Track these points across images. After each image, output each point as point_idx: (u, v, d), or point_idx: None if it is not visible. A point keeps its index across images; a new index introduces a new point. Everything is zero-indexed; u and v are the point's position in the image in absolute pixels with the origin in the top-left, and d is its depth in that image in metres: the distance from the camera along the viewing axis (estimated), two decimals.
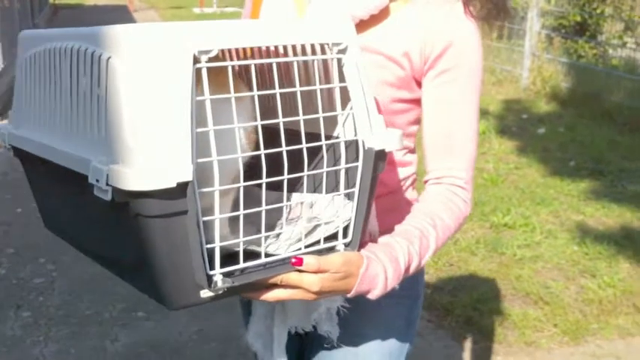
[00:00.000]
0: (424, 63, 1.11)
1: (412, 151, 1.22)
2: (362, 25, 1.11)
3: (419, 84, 1.14)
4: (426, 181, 1.17)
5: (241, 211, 0.87)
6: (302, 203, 1.01)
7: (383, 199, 1.14)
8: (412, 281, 1.16)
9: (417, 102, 1.15)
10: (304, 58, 0.94)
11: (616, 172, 4.66)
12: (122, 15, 14.45)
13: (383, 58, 1.11)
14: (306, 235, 0.96)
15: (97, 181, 0.81)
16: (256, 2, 1.21)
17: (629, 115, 5.78)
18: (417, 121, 1.19)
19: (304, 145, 0.90)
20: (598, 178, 4.59)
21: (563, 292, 3.15)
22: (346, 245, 0.98)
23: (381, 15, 1.11)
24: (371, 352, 1.24)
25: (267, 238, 0.94)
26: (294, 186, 0.99)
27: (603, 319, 2.93)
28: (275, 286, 0.94)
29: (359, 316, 1.20)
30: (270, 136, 0.90)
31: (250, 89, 0.88)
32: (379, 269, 1.00)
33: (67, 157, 0.89)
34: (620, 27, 7.31)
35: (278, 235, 0.97)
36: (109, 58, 0.81)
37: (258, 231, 0.91)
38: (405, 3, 1.13)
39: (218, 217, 0.84)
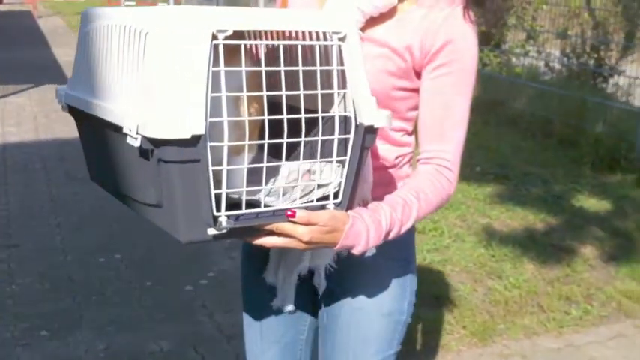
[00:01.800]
0: (424, 57, 1.26)
1: (410, 133, 1.35)
2: (372, 21, 1.27)
3: (418, 75, 1.28)
4: (417, 161, 1.31)
5: (245, 165, 1.07)
6: (304, 169, 1.17)
7: (381, 173, 1.32)
8: (403, 244, 1.33)
9: (417, 91, 1.29)
10: (307, 42, 1.10)
11: (520, 177, 4.83)
12: (26, 21, 13.94)
13: (388, 50, 1.26)
14: (303, 196, 1.13)
15: (130, 130, 1.00)
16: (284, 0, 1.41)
17: (531, 121, 6.00)
18: (416, 108, 1.32)
19: (302, 116, 1.08)
20: (503, 182, 4.74)
21: (472, 294, 3.22)
22: (336, 205, 1.14)
23: (389, 13, 1.27)
24: (370, 310, 1.37)
25: (269, 194, 1.12)
26: (297, 155, 1.14)
27: (510, 319, 3.02)
28: (271, 233, 1.09)
29: (357, 275, 1.36)
30: (276, 111, 1.06)
31: (257, 66, 1.06)
32: (362, 228, 1.15)
33: (107, 111, 1.09)
34: (522, 36, 7.59)
35: (279, 194, 1.13)
36: (147, 33, 1.01)
37: (269, 191, 1.12)
38: (411, 5, 1.28)
39: (225, 167, 1.01)
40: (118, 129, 1.04)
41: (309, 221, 1.09)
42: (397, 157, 1.34)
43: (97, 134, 1.19)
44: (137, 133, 0.99)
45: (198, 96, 0.98)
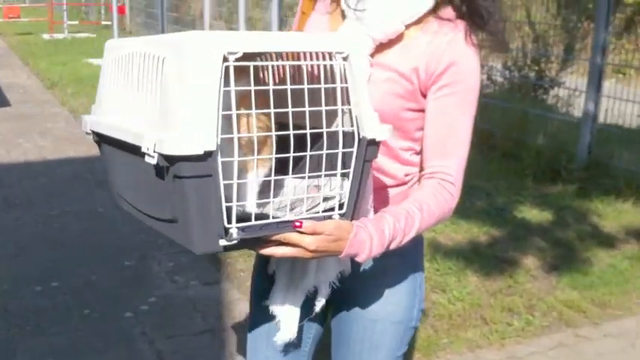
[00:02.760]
0: (429, 78, 1.32)
1: (418, 152, 1.41)
2: (380, 47, 1.34)
3: (424, 96, 1.34)
4: (422, 176, 1.39)
5: (254, 179, 1.18)
6: (310, 184, 1.24)
7: (392, 190, 1.40)
8: (412, 255, 1.43)
9: (423, 111, 1.36)
10: (311, 62, 1.18)
11: (465, 189, 4.82)
12: None
13: (395, 74, 1.33)
14: (309, 209, 1.20)
15: (147, 149, 1.08)
16: (299, 27, 1.48)
17: (475, 134, 6.05)
18: (423, 128, 1.38)
19: (308, 131, 1.15)
20: None
21: None
22: (341, 216, 1.21)
23: (397, 39, 1.34)
24: (383, 321, 1.45)
25: (278, 208, 1.20)
26: (302, 170, 1.20)
27: (453, 333, 3.03)
28: (280, 243, 1.15)
29: (368, 286, 1.43)
30: (280, 131, 1.15)
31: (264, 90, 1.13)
32: (366, 237, 1.21)
33: (126, 133, 1.18)
34: None
35: (287, 207, 1.20)
36: (164, 58, 1.10)
37: (278, 205, 1.21)
38: (417, 31, 1.35)
39: (235, 181, 1.09)
40: (136, 149, 1.13)
41: (315, 230, 1.15)
42: (406, 175, 1.41)
43: (118, 156, 1.30)
44: (154, 151, 1.07)
45: (210, 114, 1.07)
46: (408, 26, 1.34)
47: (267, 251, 1.16)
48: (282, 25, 8.99)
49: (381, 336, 1.45)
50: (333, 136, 1.20)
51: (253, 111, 1.11)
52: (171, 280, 3.45)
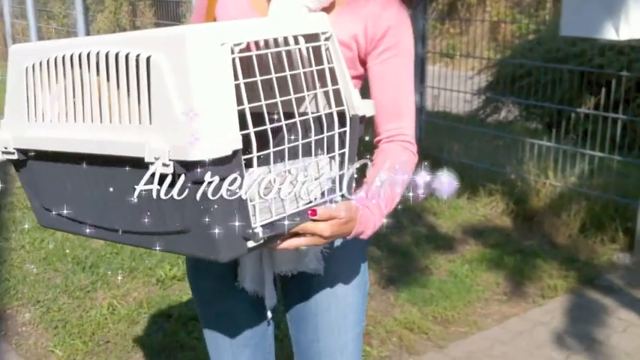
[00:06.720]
0: (369, 44, 1.34)
1: None
2: None
3: (363, 63, 1.36)
4: (378, 141, 1.38)
5: (273, 174, 1.10)
6: (307, 168, 1.16)
7: None
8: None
9: (360, 77, 1.38)
10: (303, 45, 1.15)
11: None
12: None
13: None
14: (311, 191, 1.17)
15: (157, 158, 0.99)
16: (210, 7, 1.39)
17: None
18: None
19: (310, 115, 1.17)
20: None
21: None
22: (342, 197, 1.22)
23: (330, 7, 1.34)
24: (344, 285, 1.45)
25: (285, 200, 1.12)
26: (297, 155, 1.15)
27: None
28: (296, 235, 1.15)
29: (333, 262, 1.42)
30: (260, 118, 1.07)
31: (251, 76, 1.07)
32: (369, 213, 1.24)
33: (113, 146, 1.06)
34: None
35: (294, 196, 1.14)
36: (148, 57, 1.00)
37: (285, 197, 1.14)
38: None
39: (257, 180, 1.05)
40: (125, 160, 1.03)
41: (330, 216, 1.14)
42: None
43: (76, 171, 1.16)
44: (169, 160, 0.98)
45: (229, 111, 1.00)
46: None
47: (283, 245, 1.14)
48: (91, 20, 8.31)
49: (345, 299, 1.45)
50: (305, 120, 1.17)
51: (263, 102, 1.05)
52: None
